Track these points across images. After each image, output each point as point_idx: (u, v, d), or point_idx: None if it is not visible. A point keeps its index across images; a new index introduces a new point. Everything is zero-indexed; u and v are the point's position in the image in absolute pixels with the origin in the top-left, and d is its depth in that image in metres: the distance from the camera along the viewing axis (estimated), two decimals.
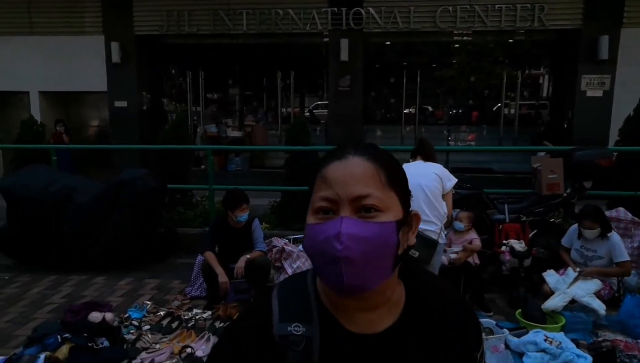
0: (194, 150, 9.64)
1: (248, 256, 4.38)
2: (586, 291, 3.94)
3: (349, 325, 0.84)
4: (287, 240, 5.02)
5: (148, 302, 4.39)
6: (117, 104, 10.32)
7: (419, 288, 0.89)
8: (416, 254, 3.38)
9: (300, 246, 5.04)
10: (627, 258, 4.09)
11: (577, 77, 8.99)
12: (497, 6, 9.06)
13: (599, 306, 3.85)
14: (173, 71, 12.38)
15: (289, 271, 4.49)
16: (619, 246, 4.09)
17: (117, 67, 10.07)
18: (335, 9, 9.35)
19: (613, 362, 3.24)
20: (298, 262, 4.59)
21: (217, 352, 0.90)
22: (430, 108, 13.45)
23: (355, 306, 0.83)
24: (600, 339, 3.60)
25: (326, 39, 9.85)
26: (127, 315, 4.11)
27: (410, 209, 0.87)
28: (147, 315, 4.17)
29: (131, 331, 3.82)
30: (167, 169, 6.38)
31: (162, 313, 4.17)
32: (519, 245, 4.55)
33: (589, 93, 9.00)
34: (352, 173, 0.79)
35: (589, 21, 8.79)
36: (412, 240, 0.86)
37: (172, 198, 6.34)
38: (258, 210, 5.42)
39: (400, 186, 0.84)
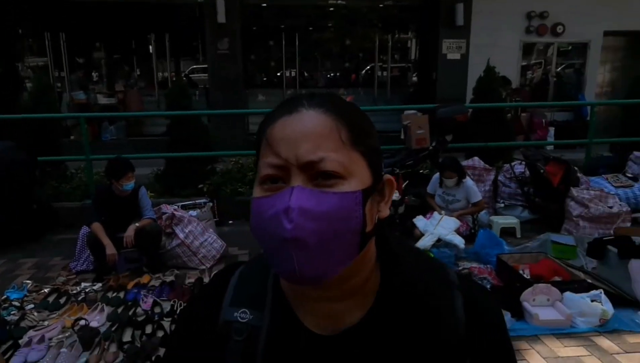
0: (60, 120, 8.83)
1: (137, 224, 4.31)
2: (448, 230, 4.57)
3: (306, 319, 0.72)
4: (176, 206, 4.99)
5: (28, 281, 4.14)
6: None
7: (400, 274, 0.72)
8: None
9: (191, 212, 5.06)
10: (480, 198, 4.83)
11: (438, 42, 9.86)
12: None
13: (459, 242, 4.51)
14: (27, 32, 11.02)
15: (181, 236, 4.51)
16: (473, 189, 4.80)
17: None
18: None
19: None
20: (190, 226, 4.62)
21: (170, 336, 0.83)
22: (306, 73, 13.74)
23: (315, 296, 0.70)
24: (460, 268, 4.24)
25: (201, 0, 9.51)
26: (4, 296, 3.85)
27: (383, 172, 0.71)
28: (28, 294, 3.94)
29: (12, 312, 3.60)
30: (33, 141, 5.84)
31: (46, 290, 3.98)
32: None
33: (449, 56, 9.94)
34: (304, 130, 0.63)
35: None
36: (385, 212, 0.71)
37: (43, 171, 5.86)
38: (142, 180, 5.25)
39: (367, 145, 0.67)
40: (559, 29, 10.12)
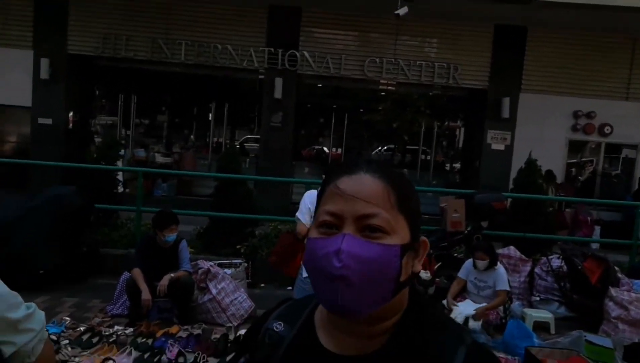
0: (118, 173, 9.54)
1: (172, 275, 4.53)
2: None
3: (325, 340, 0.84)
4: (212, 263, 5.20)
5: (67, 318, 4.38)
6: (41, 121, 10.01)
7: (417, 321, 0.82)
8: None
9: (226, 270, 5.26)
10: (505, 288, 4.77)
11: (483, 132, 10.10)
12: (418, 62, 10.05)
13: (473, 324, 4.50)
14: (103, 93, 12.23)
15: (214, 292, 4.68)
16: (503, 277, 4.76)
17: (44, 83, 9.83)
18: (272, 49, 9.88)
19: None
20: (223, 283, 4.79)
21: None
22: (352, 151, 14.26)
23: (347, 329, 0.82)
24: None
25: (261, 76, 10.32)
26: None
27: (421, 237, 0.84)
28: (65, 330, 4.16)
29: None
30: (94, 190, 6.35)
31: (81, 328, 4.19)
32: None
33: (494, 146, 10.13)
34: (361, 189, 0.78)
35: (494, 83, 10.00)
36: (418, 268, 0.83)
37: (97, 218, 6.30)
38: (184, 236, 5.54)
39: (410, 209, 0.81)
40: (607, 129, 10.16)
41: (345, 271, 0.73)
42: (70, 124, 10.34)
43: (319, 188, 0.86)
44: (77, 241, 5.66)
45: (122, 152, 11.24)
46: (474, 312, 4.61)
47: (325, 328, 0.85)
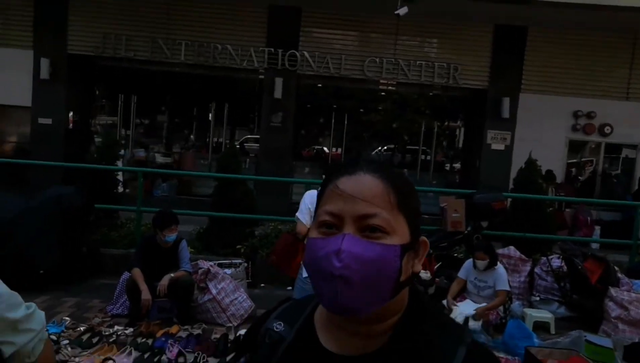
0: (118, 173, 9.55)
1: (172, 275, 4.53)
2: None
3: (324, 339, 0.84)
4: (212, 263, 5.20)
5: (67, 318, 4.38)
6: (41, 121, 10.00)
7: (417, 321, 0.82)
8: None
9: (226, 270, 5.26)
10: (506, 288, 4.76)
11: (483, 132, 10.10)
12: (418, 62, 10.04)
13: (473, 324, 4.49)
14: (103, 93, 12.23)
15: (214, 291, 4.68)
16: (503, 277, 4.75)
17: (44, 83, 9.83)
18: (272, 49, 9.88)
19: None
20: (223, 283, 4.79)
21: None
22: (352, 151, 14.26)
23: (347, 329, 0.82)
24: None
25: (261, 76, 10.32)
26: None
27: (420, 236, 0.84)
28: (65, 330, 4.16)
29: None
30: (94, 190, 6.35)
31: (81, 328, 4.19)
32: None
33: (494, 146, 10.12)
34: (361, 190, 0.78)
35: (494, 84, 9.99)
36: (418, 268, 0.83)
37: (97, 218, 6.30)
38: (184, 236, 5.54)
39: (410, 209, 0.81)
40: (607, 129, 10.16)
41: (346, 271, 0.74)
42: (70, 124, 10.34)
43: (319, 188, 0.86)
44: (77, 241, 5.66)
45: (122, 152, 11.27)
46: (474, 312, 4.62)
47: (325, 328, 0.85)
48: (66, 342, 3.92)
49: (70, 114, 10.32)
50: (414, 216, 0.82)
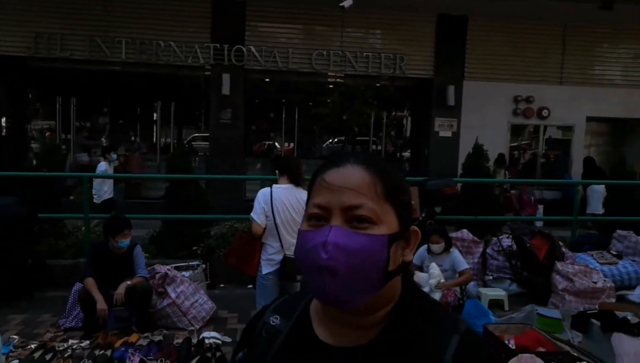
0: (62, 179, 9.07)
1: (129, 282, 4.37)
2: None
3: (321, 333, 0.84)
4: (169, 267, 5.06)
5: (15, 337, 4.13)
6: None
7: (410, 311, 0.82)
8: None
9: (184, 272, 5.13)
10: (466, 266, 4.95)
11: (431, 120, 10.37)
12: (364, 53, 10.15)
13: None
14: (38, 95, 11.56)
15: (173, 296, 4.56)
16: (459, 258, 4.93)
17: None
18: (218, 45, 9.68)
19: None
20: (182, 287, 4.67)
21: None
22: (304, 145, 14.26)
23: (340, 320, 0.82)
24: None
25: (208, 73, 10.09)
26: None
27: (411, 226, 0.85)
28: (14, 349, 3.93)
29: None
30: (36, 198, 6.01)
31: (32, 346, 3.96)
32: None
33: (441, 134, 10.42)
34: (348, 181, 0.79)
35: (439, 73, 10.27)
36: (409, 257, 0.83)
37: (42, 228, 5.97)
38: (137, 241, 5.36)
39: (398, 199, 0.81)
40: (545, 112, 10.69)
41: (332, 263, 0.74)
42: (4, 131, 9.72)
43: (308, 182, 0.87)
44: (21, 254, 5.33)
45: (68, 158, 10.72)
46: (438, 281, 4.75)
47: (320, 321, 0.86)
48: (16, 361, 3.70)
49: (3, 119, 9.70)
50: (403, 206, 0.83)
